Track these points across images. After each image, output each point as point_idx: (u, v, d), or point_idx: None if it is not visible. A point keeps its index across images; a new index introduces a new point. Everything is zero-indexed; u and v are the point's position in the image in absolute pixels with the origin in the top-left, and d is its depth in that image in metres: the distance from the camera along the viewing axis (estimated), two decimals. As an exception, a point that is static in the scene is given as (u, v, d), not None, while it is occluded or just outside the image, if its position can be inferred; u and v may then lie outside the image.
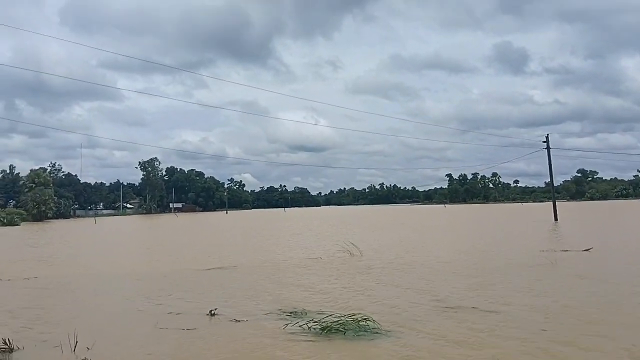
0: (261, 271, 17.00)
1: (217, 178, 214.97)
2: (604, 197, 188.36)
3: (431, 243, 26.57)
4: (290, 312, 10.21)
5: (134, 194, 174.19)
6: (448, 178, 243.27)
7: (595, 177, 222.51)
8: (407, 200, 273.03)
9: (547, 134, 46.15)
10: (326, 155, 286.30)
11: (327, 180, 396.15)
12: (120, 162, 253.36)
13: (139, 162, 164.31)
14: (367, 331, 8.53)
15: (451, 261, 18.08)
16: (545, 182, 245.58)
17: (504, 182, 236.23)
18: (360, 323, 8.73)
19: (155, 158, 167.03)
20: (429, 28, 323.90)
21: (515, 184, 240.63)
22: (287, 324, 9.03)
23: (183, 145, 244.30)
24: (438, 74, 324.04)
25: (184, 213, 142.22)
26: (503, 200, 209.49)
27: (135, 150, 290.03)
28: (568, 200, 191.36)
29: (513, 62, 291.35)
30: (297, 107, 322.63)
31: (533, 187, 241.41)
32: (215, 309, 10.44)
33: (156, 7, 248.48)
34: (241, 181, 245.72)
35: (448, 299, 11.25)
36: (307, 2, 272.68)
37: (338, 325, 8.72)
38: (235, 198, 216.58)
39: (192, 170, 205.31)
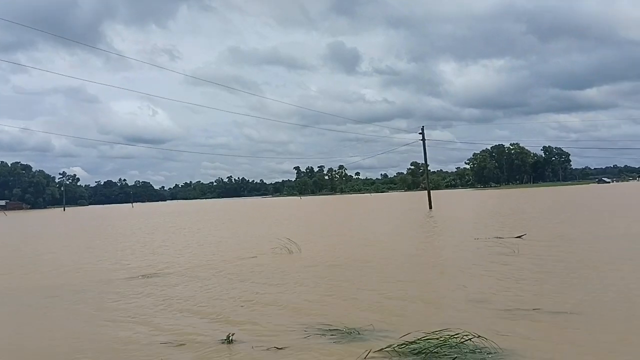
0: (211, 276, 14.05)
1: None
2: (436, 187, 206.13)
3: (359, 237, 25.26)
4: (334, 330, 7.92)
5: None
6: (296, 171, 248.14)
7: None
8: (256, 193, 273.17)
9: (423, 126, 47.87)
10: (166, 148, 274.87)
11: (168, 174, 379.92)
12: None
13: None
14: (480, 353, 6.63)
15: (413, 254, 16.82)
16: (381, 174, 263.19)
17: (347, 174, 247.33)
18: (464, 342, 6.81)
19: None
20: (266, 24, 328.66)
21: (357, 176, 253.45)
22: (368, 351, 6.77)
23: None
24: (277, 70, 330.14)
25: (10, 211, 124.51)
26: (349, 192, 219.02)
27: None
28: (405, 191, 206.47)
29: (346, 61, 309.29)
30: (132, 96, 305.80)
31: (371, 179, 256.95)
32: (233, 334, 7.74)
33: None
34: (75, 175, 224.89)
35: (487, 299, 9.76)
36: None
37: (437, 348, 6.71)
38: (69, 194, 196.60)
39: (17, 163, 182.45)
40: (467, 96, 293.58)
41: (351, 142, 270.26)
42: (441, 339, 6.86)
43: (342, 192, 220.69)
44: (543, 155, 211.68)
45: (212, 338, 7.90)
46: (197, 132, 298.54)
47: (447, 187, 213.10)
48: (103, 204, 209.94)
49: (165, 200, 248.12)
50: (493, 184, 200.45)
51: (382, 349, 6.77)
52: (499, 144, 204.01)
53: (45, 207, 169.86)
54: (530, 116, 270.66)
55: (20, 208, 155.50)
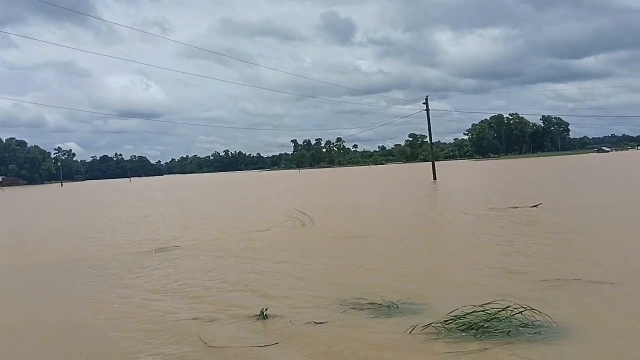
0: (226, 250, 13.69)
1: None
2: (435, 158, 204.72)
3: (369, 209, 24.94)
4: (371, 304, 7.57)
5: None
6: (293, 144, 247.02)
7: (424, 140, 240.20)
8: (253, 166, 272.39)
9: (427, 96, 47.13)
10: (160, 122, 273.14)
11: (163, 148, 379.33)
12: None
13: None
14: (532, 327, 6.26)
15: (430, 226, 16.49)
16: (378, 146, 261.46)
17: (345, 147, 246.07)
18: (515, 316, 6.44)
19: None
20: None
21: (354, 149, 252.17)
22: (414, 327, 6.41)
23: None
24: (271, 41, 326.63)
25: (7, 187, 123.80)
26: (347, 164, 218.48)
27: None
28: (404, 162, 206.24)
29: (340, 32, 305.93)
30: (124, 70, 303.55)
31: (369, 151, 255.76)
32: (267, 309, 7.38)
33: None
34: (71, 150, 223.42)
35: (522, 270, 9.41)
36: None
37: (486, 322, 6.35)
38: (65, 169, 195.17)
39: (12, 139, 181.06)
40: (463, 66, 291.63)
41: (347, 114, 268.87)
42: (489, 312, 6.50)
43: (340, 164, 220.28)
44: (542, 125, 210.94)
45: (243, 313, 7.56)
46: (191, 106, 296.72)
47: (445, 158, 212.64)
48: (99, 179, 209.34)
49: (162, 175, 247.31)
50: (492, 155, 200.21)
51: (429, 324, 6.41)
52: (497, 114, 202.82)
53: (41, 183, 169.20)
54: (526, 86, 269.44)
55: (17, 184, 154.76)
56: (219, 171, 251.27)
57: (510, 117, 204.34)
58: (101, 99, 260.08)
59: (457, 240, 13.33)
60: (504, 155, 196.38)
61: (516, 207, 19.43)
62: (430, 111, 46.23)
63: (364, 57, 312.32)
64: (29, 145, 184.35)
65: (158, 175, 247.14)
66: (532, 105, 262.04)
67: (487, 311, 6.53)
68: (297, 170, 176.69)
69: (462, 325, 6.38)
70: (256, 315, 7.33)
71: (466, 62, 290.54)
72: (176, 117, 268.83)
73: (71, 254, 14.40)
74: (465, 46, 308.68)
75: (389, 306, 7.42)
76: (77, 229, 21.29)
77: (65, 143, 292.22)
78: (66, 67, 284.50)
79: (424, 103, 46.78)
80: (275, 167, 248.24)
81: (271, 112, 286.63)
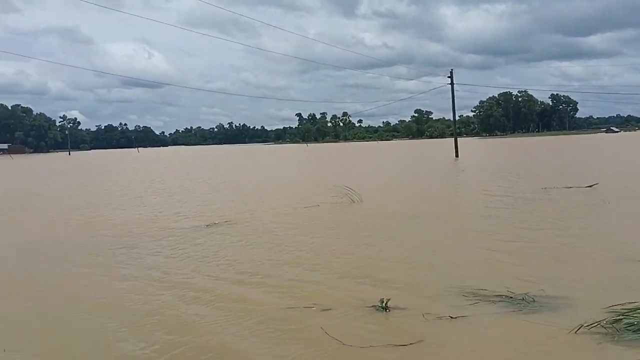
0: (288, 227, 12.93)
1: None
2: (441, 135, 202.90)
3: (411, 186, 24.15)
4: (498, 296, 6.80)
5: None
6: (298, 117, 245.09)
7: (429, 117, 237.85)
8: (257, 139, 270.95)
9: (452, 69, 45.95)
10: (164, 92, 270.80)
11: (167, 119, 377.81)
12: None
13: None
14: None
15: (493, 208, 15.57)
16: (382, 122, 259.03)
17: (350, 122, 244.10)
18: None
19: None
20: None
21: (359, 124, 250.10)
22: (580, 326, 5.64)
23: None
24: (274, 11, 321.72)
25: (15, 155, 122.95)
26: (353, 139, 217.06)
27: None
28: (410, 139, 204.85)
29: (345, 3, 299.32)
30: (127, 38, 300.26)
31: (374, 127, 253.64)
32: (388, 300, 6.62)
33: None
34: (76, 119, 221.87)
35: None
36: None
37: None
38: (70, 138, 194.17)
39: (17, 105, 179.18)
40: (468, 42, 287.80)
41: (351, 87, 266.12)
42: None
43: (346, 139, 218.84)
44: (550, 104, 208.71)
45: (357, 303, 6.79)
46: (195, 77, 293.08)
47: (451, 135, 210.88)
48: (104, 149, 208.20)
49: (167, 146, 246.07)
50: (498, 133, 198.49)
51: (596, 322, 5.63)
52: (506, 92, 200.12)
53: (47, 151, 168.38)
54: (531, 63, 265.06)
55: (23, 152, 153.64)
56: (224, 143, 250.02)
57: (519, 95, 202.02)
58: (104, 67, 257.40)
59: (542, 223, 12.27)
60: (511, 133, 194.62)
61: (570, 187, 18.64)
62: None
63: (368, 30, 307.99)
64: (34, 113, 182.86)
65: (163, 146, 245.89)
66: (536, 83, 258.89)
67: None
68: (305, 144, 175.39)
69: (631, 325, 5.63)
70: (374, 305, 6.58)
71: (471, 37, 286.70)
72: (179, 87, 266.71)
73: (142, 229, 13.66)
74: (471, 21, 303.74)
75: (523, 299, 6.65)
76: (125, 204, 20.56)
77: (69, 111, 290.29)
78: (69, 34, 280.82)
79: (448, 77, 45.62)
80: (280, 140, 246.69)
81: (274, 84, 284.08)
